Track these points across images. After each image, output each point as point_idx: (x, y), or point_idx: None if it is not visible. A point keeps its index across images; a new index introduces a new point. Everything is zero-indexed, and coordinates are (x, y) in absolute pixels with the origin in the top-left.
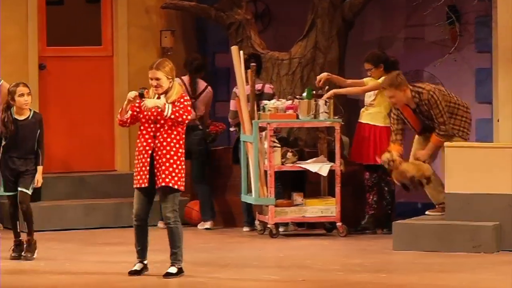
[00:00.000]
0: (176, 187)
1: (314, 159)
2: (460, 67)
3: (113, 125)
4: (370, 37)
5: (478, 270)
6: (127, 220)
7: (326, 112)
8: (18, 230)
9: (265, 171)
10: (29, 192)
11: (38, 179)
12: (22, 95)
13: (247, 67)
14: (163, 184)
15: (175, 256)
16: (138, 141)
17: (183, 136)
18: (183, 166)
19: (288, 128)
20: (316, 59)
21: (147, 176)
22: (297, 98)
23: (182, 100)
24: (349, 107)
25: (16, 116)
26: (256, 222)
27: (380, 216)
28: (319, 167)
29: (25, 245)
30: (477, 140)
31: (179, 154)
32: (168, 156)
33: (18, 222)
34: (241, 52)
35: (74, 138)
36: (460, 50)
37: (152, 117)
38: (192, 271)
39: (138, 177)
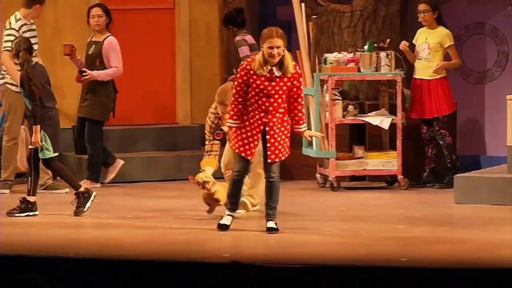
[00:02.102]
0: (283, 158)
1: (375, 112)
2: None
3: (175, 77)
4: None
5: None
6: (188, 173)
7: (387, 65)
8: (29, 187)
9: (326, 124)
10: (41, 156)
11: (33, 140)
12: None
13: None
14: (276, 159)
15: (274, 211)
16: (248, 111)
17: None
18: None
19: (350, 81)
20: (378, 11)
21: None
22: (358, 51)
23: (299, 79)
24: (409, 63)
25: None
26: (317, 175)
27: (441, 170)
28: (380, 120)
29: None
30: None
31: (287, 127)
32: (280, 132)
33: (30, 179)
34: (303, 4)
35: (135, 91)
36: None
37: (265, 90)
38: (251, 223)
39: (247, 148)
